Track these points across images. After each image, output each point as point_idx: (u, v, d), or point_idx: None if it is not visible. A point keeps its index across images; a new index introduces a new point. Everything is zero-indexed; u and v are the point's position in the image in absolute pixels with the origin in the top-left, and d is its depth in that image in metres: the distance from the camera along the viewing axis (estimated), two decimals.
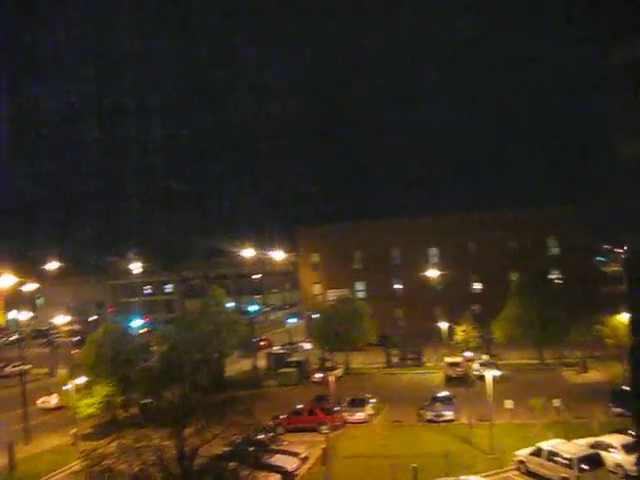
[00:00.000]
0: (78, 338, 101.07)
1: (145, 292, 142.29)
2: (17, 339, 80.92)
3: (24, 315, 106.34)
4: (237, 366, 79.15)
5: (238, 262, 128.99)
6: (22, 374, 59.91)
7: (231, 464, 32.14)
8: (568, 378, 63.78)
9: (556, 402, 47.91)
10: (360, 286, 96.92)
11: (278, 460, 40.90)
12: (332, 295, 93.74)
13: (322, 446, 43.21)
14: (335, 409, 51.97)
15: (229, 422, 32.20)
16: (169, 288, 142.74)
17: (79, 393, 53.59)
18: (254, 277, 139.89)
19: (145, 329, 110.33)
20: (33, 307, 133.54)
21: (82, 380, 54.63)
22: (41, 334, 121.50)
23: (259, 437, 38.16)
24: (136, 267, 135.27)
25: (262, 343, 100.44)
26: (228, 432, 32.22)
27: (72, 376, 54.05)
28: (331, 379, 53.81)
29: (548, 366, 69.33)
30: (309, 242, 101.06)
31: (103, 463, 30.73)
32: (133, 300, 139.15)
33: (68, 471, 36.03)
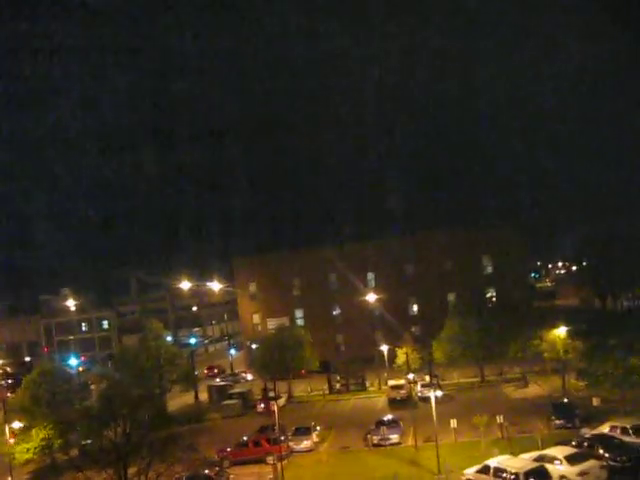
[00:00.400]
0: (11, 381, 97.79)
1: (81, 330, 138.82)
2: None
3: None
4: (179, 400, 77.65)
5: (176, 295, 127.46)
6: None
7: None
8: (510, 394, 64.64)
9: (499, 418, 48.40)
10: (299, 313, 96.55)
11: None
12: (271, 324, 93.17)
13: (269, 477, 42.60)
14: (280, 439, 51.35)
15: (174, 459, 31.63)
16: (106, 324, 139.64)
17: (15, 438, 51.77)
18: (192, 309, 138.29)
19: (82, 368, 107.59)
20: None
21: (17, 425, 52.79)
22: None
23: (205, 472, 37.44)
24: (71, 304, 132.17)
25: (206, 371, 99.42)
26: (173, 469, 31.61)
27: (7, 421, 52.20)
28: (274, 409, 53.24)
29: (489, 383, 70.20)
30: (246, 272, 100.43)
31: None
32: (69, 338, 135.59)
33: None
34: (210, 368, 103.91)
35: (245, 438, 52.53)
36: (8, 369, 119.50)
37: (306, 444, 52.59)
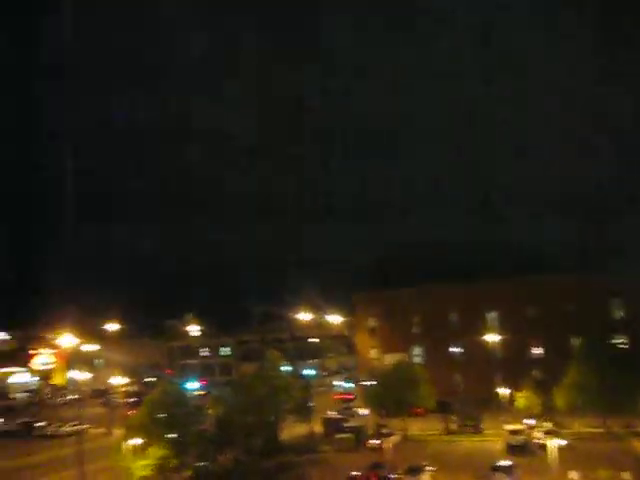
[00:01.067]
0: (134, 399, 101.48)
1: (202, 354, 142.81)
2: (76, 399, 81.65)
3: (83, 375, 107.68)
4: (292, 431, 78.01)
5: (295, 326, 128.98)
6: (79, 434, 60.27)
7: None
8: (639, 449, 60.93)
9: (626, 475, 45.61)
10: (417, 350, 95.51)
11: None
12: (389, 359, 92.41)
13: None
14: (391, 477, 50.56)
15: None
16: (226, 351, 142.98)
17: (134, 454, 53.54)
18: (310, 341, 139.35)
19: (201, 392, 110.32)
20: (92, 367, 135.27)
21: (137, 441, 54.62)
22: (99, 394, 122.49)
23: None
24: (193, 329, 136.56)
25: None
26: None
27: (128, 437, 54.07)
28: (387, 446, 52.58)
29: (615, 435, 66.47)
30: (366, 306, 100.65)
31: None
32: (190, 362, 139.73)
33: None
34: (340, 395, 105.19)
35: (356, 473, 52.06)
36: (133, 388, 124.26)
37: None
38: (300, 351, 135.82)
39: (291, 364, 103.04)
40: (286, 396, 71.84)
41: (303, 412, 77.69)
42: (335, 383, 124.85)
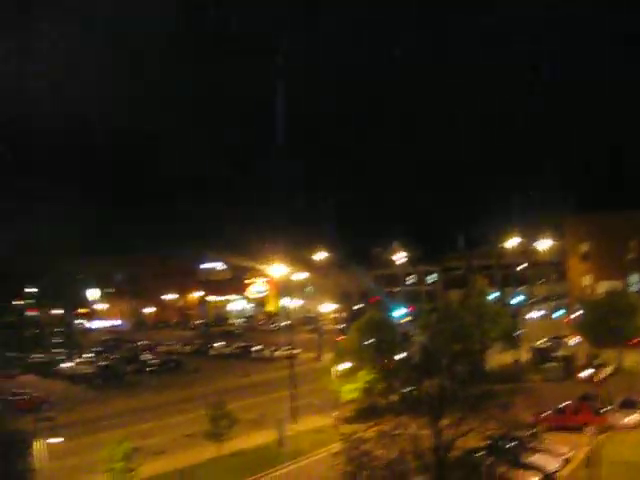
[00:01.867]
0: (343, 325, 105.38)
1: (408, 282, 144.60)
2: (287, 325, 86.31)
3: (294, 302, 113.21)
4: (498, 359, 77.46)
5: (502, 252, 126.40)
6: (291, 358, 63.93)
7: (487, 459, 31.61)
8: None
9: None
10: (635, 278, 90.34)
11: (538, 459, 39.33)
12: (602, 287, 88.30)
13: (587, 448, 40.89)
14: (603, 410, 48.83)
15: (487, 416, 31.65)
16: (432, 278, 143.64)
17: (342, 378, 56.01)
18: (518, 268, 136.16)
19: (407, 318, 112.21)
20: (302, 295, 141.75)
21: (346, 366, 57.00)
22: (309, 321, 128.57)
23: (518, 434, 37.09)
24: (399, 257, 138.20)
25: None
26: (485, 426, 31.68)
27: (336, 361, 56.45)
28: (599, 377, 50.72)
29: None
30: (577, 231, 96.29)
31: (361, 447, 31.75)
32: (396, 290, 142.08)
33: (328, 451, 37.82)
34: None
35: (564, 405, 50.89)
36: (341, 315, 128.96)
37: (632, 419, 49.39)
38: (507, 278, 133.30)
39: (498, 291, 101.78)
40: (492, 324, 71.19)
41: (510, 340, 76.78)
42: (544, 311, 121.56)
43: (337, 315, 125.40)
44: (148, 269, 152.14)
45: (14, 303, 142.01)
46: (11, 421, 21.13)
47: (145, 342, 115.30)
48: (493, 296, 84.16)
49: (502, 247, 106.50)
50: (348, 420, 53.85)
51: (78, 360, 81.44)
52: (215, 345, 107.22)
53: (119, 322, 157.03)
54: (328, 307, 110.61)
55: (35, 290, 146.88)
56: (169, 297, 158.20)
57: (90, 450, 45.11)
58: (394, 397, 55.56)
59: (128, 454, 39.24)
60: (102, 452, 39.48)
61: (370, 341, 59.10)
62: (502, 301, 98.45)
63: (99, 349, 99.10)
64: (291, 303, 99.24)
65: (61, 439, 37.20)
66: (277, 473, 44.45)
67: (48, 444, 35.92)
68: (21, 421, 22.04)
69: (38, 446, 31.97)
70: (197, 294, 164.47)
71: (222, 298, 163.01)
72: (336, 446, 36.98)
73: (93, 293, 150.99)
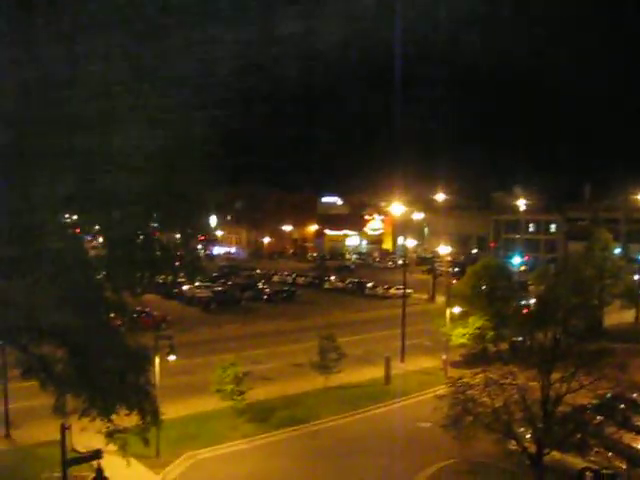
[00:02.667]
0: (457, 269, 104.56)
1: (528, 230, 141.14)
2: (402, 264, 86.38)
3: (410, 242, 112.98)
4: (617, 316, 75.07)
5: (630, 206, 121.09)
6: (404, 297, 64.14)
7: (596, 418, 30.98)
8: None
9: None
10: None
11: None
12: None
13: None
14: None
15: (600, 374, 30.89)
16: (553, 228, 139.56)
17: (454, 322, 55.85)
18: None
19: (524, 267, 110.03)
20: (419, 235, 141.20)
21: (457, 310, 56.74)
22: (424, 261, 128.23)
23: (632, 396, 36.03)
24: (521, 204, 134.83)
25: None
26: (597, 384, 30.95)
27: (449, 305, 56.27)
28: None
29: None
30: None
31: (467, 392, 31.73)
32: (515, 237, 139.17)
33: (434, 393, 38.03)
34: None
35: None
36: (456, 258, 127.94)
37: None
38: (634, 233, 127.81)
39: (623, 246, 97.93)
40: (614, 280, 68.87)
41: (632, 298, 74.13)
42: None
43: (452, 258, 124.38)
44: (267, 200, 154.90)
45: None
46: (135, 337, 22.36)
47: (261, 271, 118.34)
48: (617, 251, 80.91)
49: (631, 200, 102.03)
50: (456, 364, 54.09)
51: (197, 284, 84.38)
52: (329, 279, 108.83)
53: (235, 250, 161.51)
54: (444, 249, 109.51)
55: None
56: (286, 228, 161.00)
57: (203, 370, 47.29)
58: (504, 345, 55.30)
59: (238, 377, 40.85)
60: (214, 373, 41.28)
61: (484, 287, 58.28)
62: (626, 257, 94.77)
63: (216, 275, 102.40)
64: (407, 243, 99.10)
65: (176, 357, 39.05)
66: (382, 409, 45.18)
67: (166, 361, 37.81)
68: (143, 338, 23.33)
69: (157, 362, 33.73)
70: (314, 227, 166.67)
71: (339, 233, 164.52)
72: (442, 389, 37.12)
73: (213, 220, 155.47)
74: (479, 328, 55.58)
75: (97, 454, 18.61)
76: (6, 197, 16.52)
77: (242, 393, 40.88)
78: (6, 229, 17.23)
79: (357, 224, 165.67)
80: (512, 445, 30.55)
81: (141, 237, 21.33)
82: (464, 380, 32.76)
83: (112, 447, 22.27)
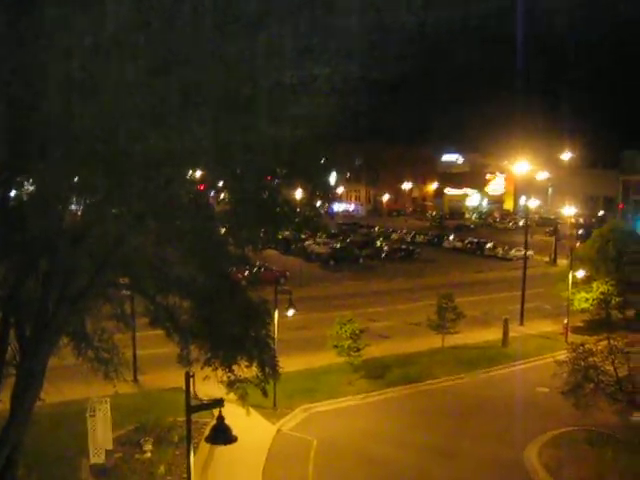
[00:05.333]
0: (582, 231, 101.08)
1: None
2: (524, 225, 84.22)
3: (533, 202, 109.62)
4: None
5: None
6: (525, 258, 62.63)
7: None
8: None
9: None
10: None
11: None
12: None
13: None
14: None
15: None
16: None
17: (576, 286, 54.08)
18: None
19: None
20: (542, 195, 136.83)
21: (581, 274, 54.89)
22: (546, 223, 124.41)
23: None
24: None
25: None
26: None
27: (572, 268, 54.52)
28: None
29: None
30: None
31: (589, 359, 30.87)
32: None
33: (553, 358, 37.11)
34: None
35: None
36: (581, 220, 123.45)
37: None
38: None
39: None
40: None
41: None
42: None
43: (577, 220, 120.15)
44: (387, 157, 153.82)
45: None
46: (256, 291, 22.87)
47: (380, 229, 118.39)
48: None
49: None
50: (577, 330, 52.58)
51: (316, 240, 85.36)
52: (448, 238, 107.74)
53: (354, 207, 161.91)
54: (568, 210, 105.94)
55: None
56: (406, 186, 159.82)
57: (320, 326, 47.90)
58: (630, 312, 53.26)
59: (355, 334, 41.24)
60: (331, 329, 41.84)
61: (610, 251, 56.00)
62: None
63: (335, 232, 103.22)
64: (529, 203, 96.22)
65: (295, 312, 39.80)
66: (499, 372, 44.60)
67: (285, 316, 38.67)
68: (263, 292, 23.85)
69: (276, 316, 34.51)
70: (434, 186, 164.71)
71: (458, 192, 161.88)
72: (562, 354, 36.24)
73: (333, 177, 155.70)
74: (603, 293, 53.60)
75: (218, 402, 19.23)
76: (133, 150, 16.94)
77: (358, 350, 41.23)
78: (135, 183, 17.76)
79: (478, 183, 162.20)
80: (635, 416, 29.55)
81: (265, 192, 21.59)
82: (586, 346, 31.86)
83: (232, 396, 22.97)
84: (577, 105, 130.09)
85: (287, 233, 27.76)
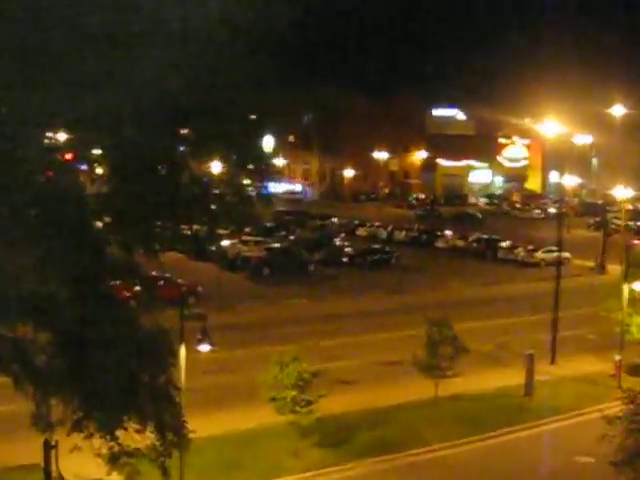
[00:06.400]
0: None
1: None
2: (557, 213, 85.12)
3: (570, 180, 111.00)
4: None
5: None
6: (559, 264, 63.30)
7: None
8: None
9: None
10: None
11: None
12: None
13: None
14: None
15: None
16: None
17: (634, 305, 54.73)
18: None
19: None
20: (584, 170, 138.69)
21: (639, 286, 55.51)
22: (591, 210, 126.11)
23: None
24: None
25: None
26: None
27: (629, 278, 55.05)
28: None
29: None
30: None
31: None
32: None
33: (600, 412, 37.40)
34: None
35: None
36: None
37: None
38: None
39: None
40: None
41: None
42: None
43: (636, 206, 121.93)
44: (352, 112, 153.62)
45: None
46: (151, 316, 22.60)
47: (340, 220, 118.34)
48: None
49: None
50: (636, 370, 53.31)
51: (244, 238, 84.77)
52: (444, 234, 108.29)
53: (301, 188, 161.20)
54: (622, 192, 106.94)
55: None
56: (379, 156, 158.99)
57: (250, 367, 47.45)
58: None
59: (304, 379, 41.03)
60: (267, 373, 41.52)
61: None
62: None
63: (273, 225, 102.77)
64: (565, 181, 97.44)
65: (212, 348, 39.44)
66: (520, 434, 45.01)
67: (196, 353, 38.35)
68: (163, 317, 23.51)
69: (183, 354, 34.21)
70: (421, 155, 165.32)
71: (458, 164, 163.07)
72: (613, 406, 36.71)
73: (268, 143, 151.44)
74: None
75: None
76: None
77: (309, 403, 41.04)
78: None
79: (487, 151, 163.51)
80: None
81: (164, 165, 21.47)
82: None
83: (116, 478, 22.78)
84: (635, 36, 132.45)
85: (198, 228, 27.41)
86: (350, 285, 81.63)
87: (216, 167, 24.26)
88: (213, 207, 22.95)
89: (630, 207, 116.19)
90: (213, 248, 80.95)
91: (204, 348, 38.87)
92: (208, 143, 22.71)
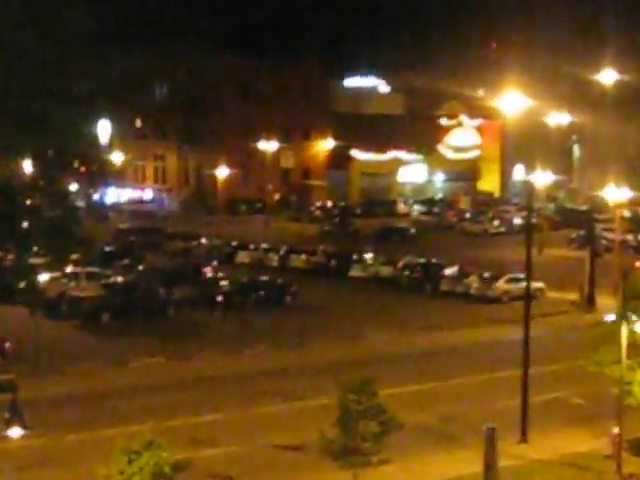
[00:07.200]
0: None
1: None
2: (525, 224, 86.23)
3: (542, 177, 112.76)
4: None
5: None
6: (529, 298, 63.99)
7: None
8: None
9: None
10: None
11: None
12: None
13: None
14: None
15: None
16: None
17: (635, 355, 55.59)
18: None
19: None
20: (563, 161, 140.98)
21: None
22: (571, 219, 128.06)
23: None
24: None
25: None
26: None
27: (625, 315, 55.90)
28: None
29: None
30: None
31: None
32: None
33: None
34: None
35: None
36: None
37: None
38: None
39: None
40: None
41: None
42: None
43: (636, 211, 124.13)
44: (225, 82, 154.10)
45: None
46: None
47: (210, 241, 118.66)
48: None
49: None
50: (637, 447, 54.02)
51: (70, 270, 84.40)
52: (361, 258, 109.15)
53: (153, 194, 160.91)
54: (614, 192, 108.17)
55: None
56: (265, 147, 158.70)
57: (84, 458, 47.05)
58: None
59: (162, 475, 40.77)
60: (109, 466, 41.12)
61: None
62: None
63: (112, 249, 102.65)
64: (534, 178, 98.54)
65: (26, 431, 39.05)
66: None
67: (5, 439, 38.01)
68: None
69: None
70: (327, 144, 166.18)
71: (381, 158, 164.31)
72: None
73: (105, 130, 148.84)
74: None
75: None
76: None
77: None
78: None
79: (423, 137, 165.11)
80: None
81: None
82: None
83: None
84: None
85: (0, 255, 27.03)
86: (227, 335, 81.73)
87: (27, 167, 24.05)
88: (24, 225, 22.78)
89: (627, 214, 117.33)
90: (23, 284, 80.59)
91: (15, 433, 38.43)
92: (8, 129, 22.49)
